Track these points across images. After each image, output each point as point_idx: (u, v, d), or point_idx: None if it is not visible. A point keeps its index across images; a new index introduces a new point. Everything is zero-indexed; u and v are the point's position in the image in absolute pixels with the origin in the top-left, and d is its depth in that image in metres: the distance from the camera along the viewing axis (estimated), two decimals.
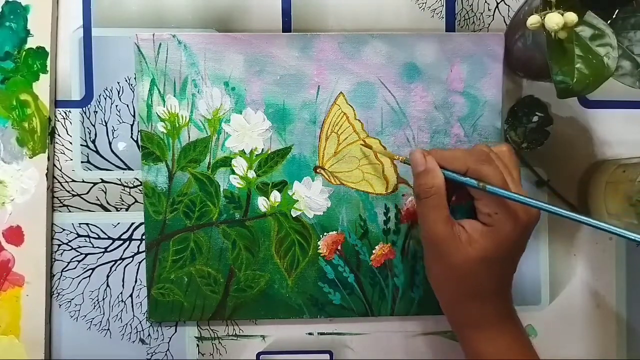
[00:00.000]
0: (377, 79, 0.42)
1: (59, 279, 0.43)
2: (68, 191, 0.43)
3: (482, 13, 0.44)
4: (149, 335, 0.44)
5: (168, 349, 0.44)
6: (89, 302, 0.44)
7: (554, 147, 0.44)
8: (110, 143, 0.43)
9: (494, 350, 0.37)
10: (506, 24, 0.44)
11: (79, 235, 0.43)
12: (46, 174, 0.42)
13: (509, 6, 0.44)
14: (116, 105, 0.43)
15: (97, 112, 0.43)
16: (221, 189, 0.42)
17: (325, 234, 0.43)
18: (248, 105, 0.42)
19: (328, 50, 0.42)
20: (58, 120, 0.43)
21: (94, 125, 0.43)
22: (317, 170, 0.43)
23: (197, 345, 0.44)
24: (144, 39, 0.42)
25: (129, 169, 0.43)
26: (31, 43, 0.42)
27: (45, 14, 0.42)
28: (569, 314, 0.45)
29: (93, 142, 0.43)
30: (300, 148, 0.43)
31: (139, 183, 0.43)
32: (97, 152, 0.43)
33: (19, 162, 0.42)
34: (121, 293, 0.44)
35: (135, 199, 0.43)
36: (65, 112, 0.43)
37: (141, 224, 0.43)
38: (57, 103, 0.43)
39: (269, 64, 0.42)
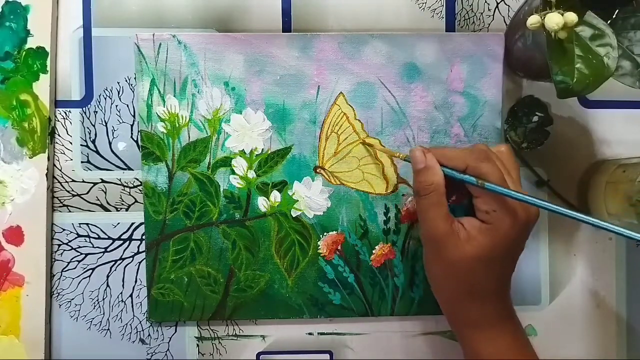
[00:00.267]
0: (377, 79, 0.42)
1: (59, 279, 0.43)
2: (68, 191, 0.43)
3: (482, 13, 0.44)
4: (149, 335, 0.44)
5: (168, 349, 0.44)
6: (89, 302, 0.44)
7: (554, 147, 0.44)
8: (110, 143, 0.43)
9: (494, 350, 0.37)
10: (506, 24, 0.44)
11: (79, 235, 0.43)
12: (46, 174, 0.42)
13: (509, 6, 0.44)
14: (116, 105, 0.43)
15: (97, 112, 0.43)
16: (221, 189, 0.42)
17: (325, 234, 0.43)
18: (248, 105, 0.42)
19: (328, 50, 0.42)
20: (58, 120, 0.43)
21: (94, 125, 0.43)
22: (317, 170, 0.43)
23: (197, 345, 0.44)
24: (144, 39, 0.42)
25: (129, 169, 0.43)
26: (31, 43, 0.42)
27: (45, 14, 0.42)
28: (569, 314, 0.45)
29: (93, 142, 0.43)
30: (300, 148, 0.43)
31: (139, 183, 0.43)
32: (97, 152, 0.43)
33: (19, 162, 0.42)
34: (121, 293, 0.44)
35: (135, 199, 0.43)
36: (65, 112, 0.43)
37: (141, 224, 0.43)
38: (57, 103, 0.43)
39: (269, 64, 0.42)
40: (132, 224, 0.43)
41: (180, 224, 0.42)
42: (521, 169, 0.43)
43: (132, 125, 0.43)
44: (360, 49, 0.42)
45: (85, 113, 0.43)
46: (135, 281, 0.44)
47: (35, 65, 0.42)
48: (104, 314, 0.44)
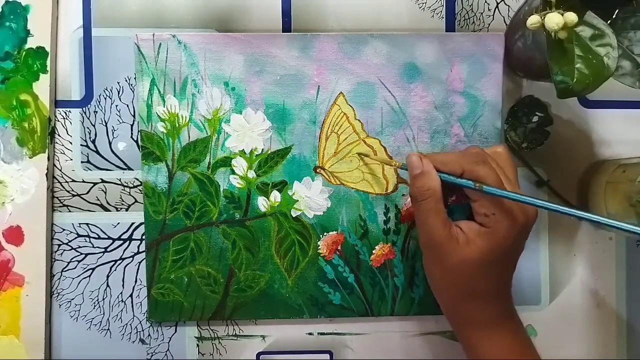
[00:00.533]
0: (377, 79, 0.42)
1: (59, 279, 0.43)
2: (68, 191, 0.43)
3: (482, 13, 0.44)
4: (149, 335, 0.44)
5: (168, 349, 0.44)
6: (89, 302, 0.44)
7: (554, 147, 0.44)
8: (110, 143, 0.43)
9: (495, 350, 0.37)
10: (506, 24, 0.44)
11: (79, 235, 0.43)
12: (46, 174, 0.42)
13: (509, 6, 0.44)
14: (116, 105, 0.43)
15: (97, 112, 0.43)
16: (221, 189, 0.42)
17: (325, 234, 0.43)
18: (248, 105, 0.42)
19: (328, 50, 0.42)
20: (58, 120, 0.43)
21: (94, 125, 0.43)
22: (317, 170, 0.43)
23: (197, 345, 0.44)
24: (144, 39, 0.42)
25: (129, 169, 0.43)
26: (31, 43, 0.42)
27: (45, 14, 0.42)
28: (569, 314, 0.45)
29: (93, 142, 0.43)
30: (300, 148, 0.43)
31: (139, 183, 0.43)
32: (97, 152, 0.43)
33: (19, 162, 0.42)
34: (121, 293, 0.44)
35: (135, 199, 0.43)
36: (65, 112, 0.43)
37: (141, 224, 0.43)
38: (57, 103, 0.43)
39: (269, 64, 0.42)
40: (132, 224, 0.43)
41: (180, 224, 0.42)
42: (521, 169, 0.43)
43: (132, 125, 0.43)
44: (360, 49, 0.42)
45: (85, 113, 0.43)
46: (135, 281, 0.44)
47: (35, 65, 0.42)
48: (104, 314, 0.44)
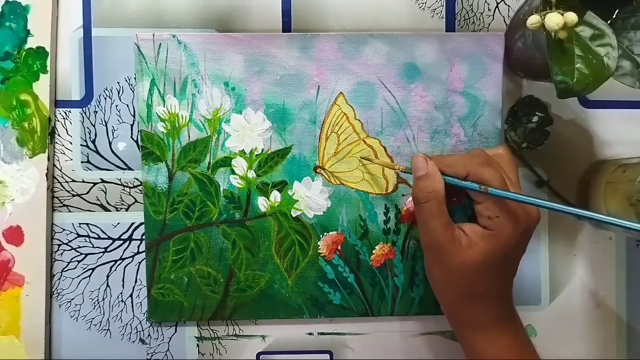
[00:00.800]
0: (377, 79, 0.42)
1: (59, 279, 0.43)
2: (68, 191, 0.43)
3: (482, 13, 0.44)
4: (149, 335, 0.44)
5: (168, 349, 0.44)
6: (89, 302, 0.44)
7: (554, 147, 0.44)
8: (110, 143, 0.43)
9: (495, 350, 0.37)
10: (506, 24, 0.44)
11: (79, 235, 0.43)
12: (46, 174, 0.42)
13: (509, 6, 0.44)
14: (116, 105, 0.43)
15: (97, 112, 0.43)
16: (221, 189, 0.42)
17: (325, 234, 0.43)
18: (248, 105, 0.42)
19: (328, 50, 0.42)
20: (58, 120, 0.43)
21: (94, 125, 0.43)
22: (317, 170, 0.43)
23: (197, 345, 0.44)
24: (144, 39, 0.42)
25: (129, 169, 0.43)
26: (31, 43, 0.42)
27: (45, 14, 0.42)
28: (569, 314, 0.45)
29: (93, 142, 0.43)
30: (300, 148, 0.43)
31: (139, 183, 0.43)
32: (97, 152, 0.43)
33: (19, 162, 0.42)
34: (121, 293, 0.44)
35: (135, 199, 0.43)
36: (65, 112, 0.43)
37: (141, 224, 0.43)
38: (57, 103, 0.43)
39: (269, 64, 0.42)
40: (132, 224, 0.43)
41: (180, 224, 0.42)
42: (521, 169, 0.43)
43: (132, 125, 0.43)
44: (360, 49, 0.42)
45: (85, 113, 0.43)
46: (135, 281, 0.44)
47: (35, 65, 0.42)
48: (104, 314, 0.44)
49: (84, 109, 0.43)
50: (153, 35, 0.42)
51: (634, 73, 0.34)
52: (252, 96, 0.42)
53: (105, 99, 0.43)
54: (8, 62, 0.41)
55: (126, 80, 0.43)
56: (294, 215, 0.43)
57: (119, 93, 0.43)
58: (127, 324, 0.44)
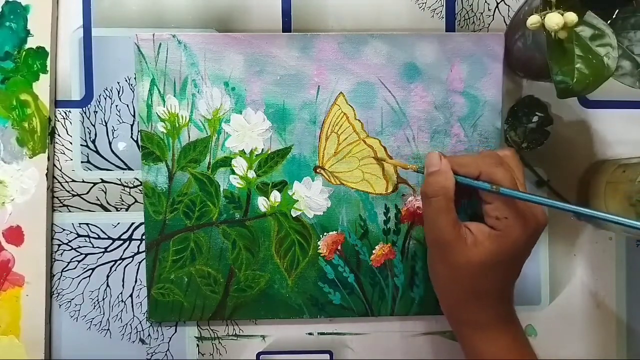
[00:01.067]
0: (377, 79, 0.42)
1: (59, 279, 0.43)
2: (68, 191, 0.43)
3: (482, 13, 0.44)
4: (149, 335, 0.44)
5: (168, 349, 0.44)
6: (89, 302, 0.44)
7: (554, 147, 0.44)
8: (110, 143, 0.43)
9: (495, 350, 0.37)
10: (506, 24, 0.44)
11: (79, 235, 0.43)
12: (46, 174, 0.42)
13: (509, 6, 0.44)
14: (116, 105, 0.43)
15: (97, 112, 0.43)
16: (221, 189, 0.42)
17: (325, 234, 0.43)
18: (248, 105, 0.42)
19: (328, 50, 0.42)
20: (58, 120, 0.43)
21: (94, 125, 0.43)
22: (317, 170, 0.43)
23: (197, 345, 0.44)
24: (144, 39, 0.42)
25: (129, 169, 0.43)
26: (31, 43, 0.42)
27: (45, 14, 0.42)
28: (569, 314, 0.45)
29: (93, 142, 0.43)
30: (300, 148, 0.43)
31: (139, 183, 0.43)
32: (97, 152, 0.43)
33: (19, 162, 0.42)
34: (121, 293, 0.44)
35: (135, 199, 0.43)
36: (65, 112, 0.43)
37: (141, 224, 0.43)
38: (57, 103, 0.43)
39: (269, 64, 0.42)
40: (132, 224, 0.43)
41: (180, 224, 0.42)
42: None
43: (132, 125, 0.43)
44: (360, 49, 0.42)
45: (85, 113, 0.43)
46: (135, 281, 0.44)
47: (35, 65, 0.42)
48: (104, 314, 0.44)
49: (84, 109, 0.43)
50: (153, 35, 0.42)
51: (634, 73, 0.34)
52: (252, 96, 0.42)
53: (105, 99, 0.43)
54: (8, 62, 0.41)
55: (126, 80, 0.43)
56: (294, 215, 0.43)
57: (119, 93, 0.43)
58: (127, 324, 0.44)
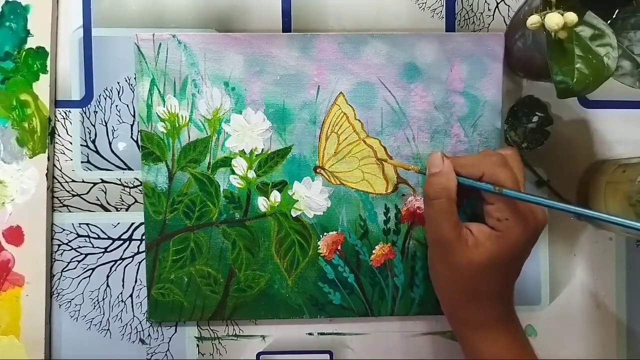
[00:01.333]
0: (377, 79, 0.42)
1: (59, 279, 0.43)
2: (68, 191, 0.43)
3: (482, 13, 0.44)
4: (149, 335, 0.44)
5: (168, 349, 0.44)
6: (89, 302, 0.44)
7: (554, 147, 0.44)
8: (110, 143, 0.43)
9: (495, 350, 0.37)
10: (506, 24, 0.44)
11: (79, 235, 0.43)
12: (46, 174, 0.42)
13: (509, 6, 0.44)
14: (116, 105, 0.43)
15: (97, 112, 0.43)
16: (221, 189, 0.42)
17: (325, 234, 0.43)
18: (248, 105, 0.42)
19: (328, 50, 0.42)
20: (58, 120, 0.43)
21: (94, 125, 0.43)
22: (317, 170, 0.43)
23: (197, 345, 0.44)
24: (144, 39, 0.42)
25: (129, 169, 0.43)
26: (31, 43, 0.42)
27: (45, 14, 0.42)
28: (569, 314, 0.45)
29: (93, 142, 0.43)
30: (300, 148, 0.43)
31: (139, 183, 0.43)
32: (97, 152, 0.43)
33: (19, 162, 0.42)
34: (121, 293, 0.44)
35: (135, 199, 0.43)
36: (65, 112, 0.43)
37: (141, 224, 0.43)
38: (57, 103, 0.43)
39: (269, 64, 0.42)
40: (132, 224, 0.43)
41: (180, 224, 0.42)
42: None
43: (132, 125, 0.43)
44: (360, 49, 0.42)
45: (85, 113, 0.43)
46: (135, 281, 0.44)
47: (35, 65, 0.42)
48: (104, 314, 0.44)
49: (84, 109, 0.43)
50: (153, 35, 0.42)
51: (634, 73, 0.34)
52: (252, 96, 0.42)
53: (105, 99, 0.43)
54: (8, 62, 0.41)
55: (126, 80, 0.43)
56: (294, 215, 0.43)
57: (119, 93, 0.43)
58: (127, 324, 0.44)
